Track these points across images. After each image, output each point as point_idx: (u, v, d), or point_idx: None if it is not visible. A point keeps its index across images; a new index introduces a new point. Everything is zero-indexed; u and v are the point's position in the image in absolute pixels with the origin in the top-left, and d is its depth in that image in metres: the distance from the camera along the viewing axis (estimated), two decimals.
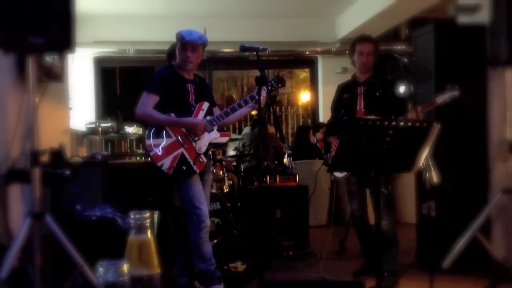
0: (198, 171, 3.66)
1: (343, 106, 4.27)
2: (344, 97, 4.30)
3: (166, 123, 3.63)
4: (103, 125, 5.10)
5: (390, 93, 4.09)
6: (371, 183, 4.00)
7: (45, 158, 3.45)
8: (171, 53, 4.25)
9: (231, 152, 6.72)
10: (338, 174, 4.24)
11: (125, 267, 0.63)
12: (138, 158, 5.14)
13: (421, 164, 3.24)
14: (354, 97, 4.22)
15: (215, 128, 3.77)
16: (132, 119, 5.09)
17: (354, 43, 4.30)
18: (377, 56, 4.25)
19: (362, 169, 3.65)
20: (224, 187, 5.43)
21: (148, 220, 0.73)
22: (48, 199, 3.37)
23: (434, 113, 4.28)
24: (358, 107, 4.19)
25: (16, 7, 2.83)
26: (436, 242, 4.14)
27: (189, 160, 3.62)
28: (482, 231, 4.18)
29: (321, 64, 8.98)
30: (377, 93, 4.11)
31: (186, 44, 3.67)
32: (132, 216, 0.74)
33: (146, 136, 3.63)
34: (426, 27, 4.82)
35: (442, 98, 3.80)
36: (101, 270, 0.61)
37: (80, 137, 5.98)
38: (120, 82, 7.98)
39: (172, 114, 3.65)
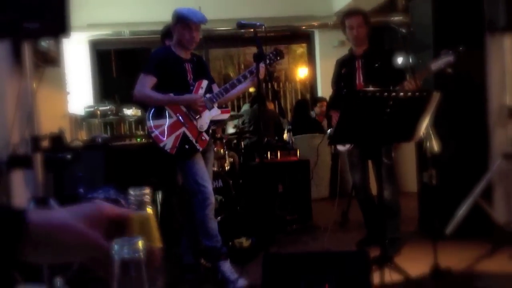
0: (201, 149, 3.67)
1: (343, 81, 4.27)
2: (343, 72, 4.29)
3: (165, 103, 3.63)
4: (101, 108, 5.10)
5: (388, 63, 4.07)
6: (372, 154, 4.02)
7: (45, 143, 3.46)
8: (165, 33, 4.22)
9: (231, 129, 6.71)
10: (340, 147, 4.24)
11: (140, 243, 0.65)
12: (138, 139, 5.15)
13: (421, 133, 3.26)
14: (352, 71, 4.21)
15: (216, 105, 3.77)
16: (129, 101, 5.09)
17: (343, 19, 4.29)
18: (369, 27, 4.23)
19: (363, 141, 3.67)
20: (225, 165, 5.44)
21: (147, 196, 0.75)
22: (51, 183, 3.39)
23: (433, 81, 4.29)
24: (357, 81, 4.17)
25: None
26: (437, 209, 4.17)
27: (192, 138, 3.62)
28: (484, 196, 4.23)
29: (318, 39, 8.91)
30: (375, 65, 4.09)
31: (193, 24, 3.64)
32: (131, 193, 0.75)
33: (146, 117, 3.63)
34: None
35: (437, 65, 3.77)
36: (116, 247, 0.63)
37: (79, 121, 5.98)
38: (116, 64, 7.95)
39: (171, 95, 3.64)
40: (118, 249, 0.71)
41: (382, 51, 4.33)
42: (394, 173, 4.14)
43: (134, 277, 0.71)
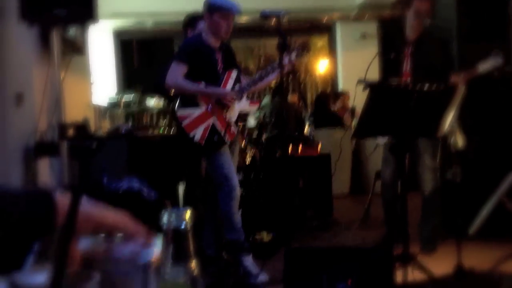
0: (229, 141, 3.67)
1: (390, 66, 4.09)
2: (392, 57, 4.09)
3: (197, 93, 3.62)
4: (125, 98, 5.12)
5: (439, 53, 3.89)
6: (405, 149, 3.90)
7: (70, 132, 3.48)
8: (188, 23, 4.21)
9: (252, 122, 6.70)
10: (379, 140, 4.07)
11: (188, 214, 0.67)
12: (161, 130, 5.16)
13: (446, 128, 3.20)
14: (401, 57, 4.01)
15: (245, 96, 3.76)
16: (151, 91, 5.10)
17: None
18: (431, 14, 3.98)
19: (386, 135, 3.63)
20: (246, 158, 5.43)
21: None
22: (76, 171, 3.41)
23: None
24: (404, 68, 4.01)
25: None
26: (461, 208, 4.12)
27: (220, 130, 3.62)
28: (508, 195, 4.16)
29: (340, 31, 8.86)
30: (425, 54, 3.88)
31: (231, 15, 3.64)
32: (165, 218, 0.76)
33: (176, 107, 3.62)
34: None
35: (485, 66, 3.63)
36: (165, 217, 0.65)
37: (102, 111, 6.01)
38: (138, 54, 7.98)
39: (202, 84, 3.64)
40: (166, 219, 0.73)
41: (435, 39, 4.08)
42: (436, 173, 4.07)
43: (181, 245, 0.74)
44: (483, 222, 4.05)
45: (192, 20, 4.14)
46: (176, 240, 0.72)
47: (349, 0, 8.50)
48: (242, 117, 4.10)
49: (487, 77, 4.28)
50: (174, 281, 0.76)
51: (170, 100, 4.32)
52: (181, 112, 3.60)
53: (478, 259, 3.61)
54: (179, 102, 3.62)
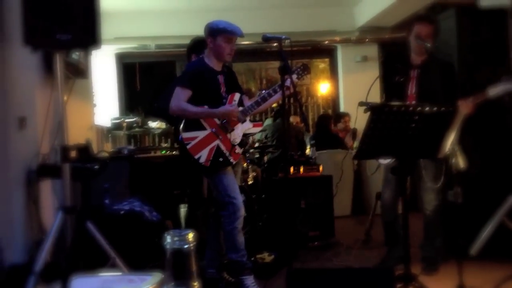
0: (234, 162, 3.71)
1: (395, 89, 4.07)
2: (397, 79, 4.07)
3: (201, 116, 3.65)
4: (127, 120, 5.18)
5: (444, 78, 3.89)
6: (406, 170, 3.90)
7: (73, 154, 3.51)
8: (192, 48, 4.26)
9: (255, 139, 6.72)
10: (382, 160, 4.06)
11: (191, 236, 0.68)
12: (163, 152, 5.19)
13: (447, 150, 3.22)
14: (406, 80, 4.02)
15: (248, 118, 3.80)
16: (152, 114, 5.15)
17: (413, 22, 4.04)
18: (436, 38, 3.99)
19: (387, 156, 3.65)
20: (248, 179, 5.45)
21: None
22: (78, 193, 3.44)
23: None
24: (409, 91, 4.03)
25: (43, 5, 2.89)
26: (462, 228, 4.11)
27: (225, 151, 3.65)
28: (509, 216, 4.15)
29: (341, 53, 8.94)
30: (430, 78, 3.89)
31: (235, 38, 3.71)
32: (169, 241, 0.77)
33: (181, 129, 3.65)
34: (447, 12, 4.77)
35: (495, 91, 3.62)
36: (168, 238, 0.66)
37: (104, 133, 6.06)
38: (140, 77, 8.05)
39: (205, 107, 3.67)
40: (169, 240, 0.76)
41: (442, 63, 4.08)
42: (439, 194, 4.08)
43: (184, 266, 0.76)
44: (484, 243, 4.04)
45: (198, 44, 4.19)
46: (178, 261, 0.75)
47: (350, 24, 8.60)
48: (247, 137, 4.14)
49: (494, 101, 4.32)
50: None
51: (172, 123, 4.37)
52: (186, 135, 3.64)
53: (480, 279, 3.60)
54: (183, 125, 3.66)
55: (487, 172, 4.47)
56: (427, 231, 4.19)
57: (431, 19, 4.11)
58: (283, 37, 3.52)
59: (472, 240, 4.10)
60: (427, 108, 3.04)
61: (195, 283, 0.78)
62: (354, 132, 7.69)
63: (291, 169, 5.40)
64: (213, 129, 3.67)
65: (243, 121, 3.77)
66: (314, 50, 8.96)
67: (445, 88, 3.85)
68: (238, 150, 3.74)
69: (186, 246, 0.65)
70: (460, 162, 3.55)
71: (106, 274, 1.93)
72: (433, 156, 3.32)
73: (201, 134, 3.64)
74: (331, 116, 8.23)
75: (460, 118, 3.06)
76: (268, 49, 8.23)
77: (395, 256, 4.06)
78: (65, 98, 3.13)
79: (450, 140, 3.16)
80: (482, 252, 4.06)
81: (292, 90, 3.49)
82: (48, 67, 3.61)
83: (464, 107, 3.63)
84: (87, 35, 3.00)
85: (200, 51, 4.10)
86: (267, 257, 4.41)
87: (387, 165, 4.02)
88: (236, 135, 3.73)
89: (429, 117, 3.02)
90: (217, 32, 3.69)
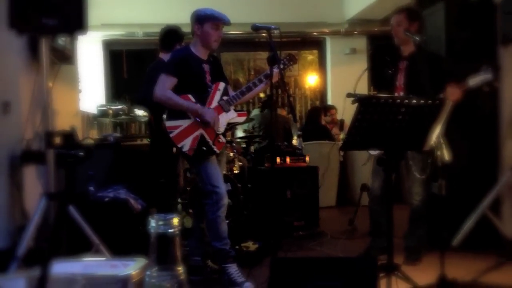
0: (218, 151, 3.69)
1: (384, 80, 4.16)
2: (387, 72, 4.16)
3: (183, 108, 3.62)
4: (114, 107, 5.13)
5: (432, 70, 3.92)
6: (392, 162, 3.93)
7: (57, 140, 3.48)
8: (174, 37, 4.32)
9: (240, 133, 6.73)
10: (372, 151, 4.10)
11: (176, 220, 0.68)
12: (148, 140, 5.16)
13: (432, 142, 3.25)
14: (395, 72, 4.10)
15: (232, 107, 3.79)
16: (135, 102, 5.13)
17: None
18: (412, 26, 4.06)
19: (374, 147, 3.67)
20: (234, 169, 5.45)
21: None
22: (62, 180, 3.41)
23: None
24: (397, 83, 4.09)
25: None
26: (446, 220, 4.16)
27: (209, 140, 3.64)
28: (492, 209, 4.20)
29: (330, 45, 8.95)
30: (418, 69, 3.94)
31: (222, 24, 3.69)
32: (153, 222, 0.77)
33: (165, 118, 3.63)
34: (436, 6, 4.79)
35: (475, 81, 3.66)
36: (153, 222, 0.65)
37: (90, 120, 6.01)
38: (127, 65, 7.99)
39: (190, 95, 3.65)
40: (154, 224, 0.75)
41: (430, 55, 4.15)
42: (426, 185, 4.12)
43: (168, 251, 0.76)
44: (466, 235, 4.10)
45: (177, 35, 4.24)
46: (163, 245, 0.74)
47: (339, 16, 8.61)
48: (232, 126, 4.14)
49: (475, 92, 4.36)
50: (160, 285, 0.78)
51: (153, 111, 4.36)
52: (169, 123, 3.62)
53: (461, 270, 3.64)
54: (167, 114, 3.64)
55: (471, 165, 4.51)
56: (412, 221, 4.23)
57: (401, 9, 4.18)
58: (273, 27, 3.51)
59: (455, 232, 4.16)
60: (414, 101, 3.06)
61: (179, 268, 0.79)
62: (341, 123, 7.72)
63: (278, 159, 5.41)
64: (197, 118, 3.65)
65: (228, 111, 3.76)
66: (303, 42, 8.97)
67: (433, 79, 3.88)
68: (222, 139, 3.73)
69: (170, 231, 0.66)
70: (445, 154, 3.57)
71: (88, 259, 1.93)
72: (419, 148, 3.34)
73: (184, 123, 3.63)
74: (322, 109, 8.26)
75: (447, 111, 3.08)
76: (257, 39, 8.21)
77: (378, 246, 4.10)
78: (50, 83, 3.09)
79: (436, 133, 3.18)
80: (464, 243, 4.12)
81: (277, 80, 3.49)
82: (33, 52, 3.56)
83: (452, 93, 3.67)
84: (74, 20, 2.95)
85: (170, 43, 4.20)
86: (251, 245, 4.43)
87: (377, 156, 4.05)
88: (220, 124, 3.71)
89: (416, 109, 3.04)
90: (205, 19, 3.67)
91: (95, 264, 1.89)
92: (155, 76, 3.71)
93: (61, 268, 1.73)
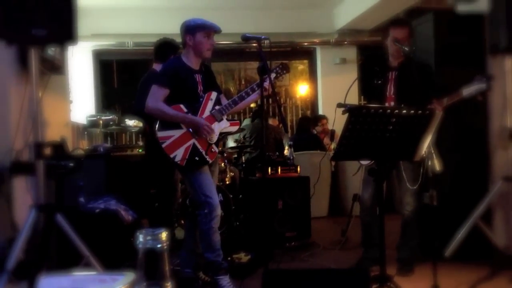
0: (210, 161, 3.68)
1: (374, 91, 4.14)
2: (376, 82, 4.14)
3: (176, 120, 3.61)
4: (104, 117, 5.11)
5: (421, 79, 3.90)
6: (383, 172, 3.93)
7: (47, 151, 3.45)
8: (169, 49, 4.31)
9: (231, 144, 6.72)
10: (363, 162, 4.08)
11: (164, 235, 0.66)
12: (140, 150, 5.14)
13: (423, 152, 3.25)
14: (385, 83, 4.09)
15: (225, 117, 3.78)
16: (129, 112, 5.11)
17: (388, 27, 4.12)
18: (411, 40, 4.07)
19: (365, 158, 3.67)
20: (226, 179, 5.44)
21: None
22: (52, 191, 3.37)
23: None
24: (388, 93, 4.08)
25: None
26: (438, 230, 4.16)
27: (201, 150, 3.62)
28: (483, 219, 4.21)
29: (320, 55, 8.98)
30: (408, 79, 3.92)
31: (213, 33, 3.69)
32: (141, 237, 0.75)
33: (157, 128, 3.61)
34: (425, 17, 4.82)
35: (469, 91, 3.68)
36: (140, 237, 0.64)
37: (80, 130, 5.98)
38: (118, 75, 7.96)
39: (182, 105, 3.64)
40: (142, 239, 0.74)
41: (418, 65, 4.10)
42: (418, 196, 4.11)
43: (156, 266, 0.74)
44: (458, 245, 4.09)
45: (171, 47, 4.24)
46: (151, 261, 0.72)
47: (329, 26, 8.64)
48: (224, 136, 4.13)
49: (466, 101, 4.38)
50: None
51: (148, 122, 4.34)
52: (161, 134, 3.60)
53: (454, 281, 3.65)
54: (158, 124, 3.62)
55: (462, 176, 4.52)
56: (405, 232, 4.22)
57: (405, 22, 4.20)
58: (263, 37, 3.52)
59: (447, 242, 4.15)
60: (404, 111, 3.06)
61: (168, 284, 0.77)
62: (332, 134, 7.71)
63: (269, 170, 5.40)
64: (190, 128, 3.63)
65: (220, 120, 3.75)
66: (293, 52, 8.99)
67: (423, 89, 3.89)
68: (215, 149, 3.72)
69: (159, 246, 0.64)
70: (436, 164, 3.58)
71: (77, 274, 1.89)
72: (410, 158, 3.35)
73: (176, 133, 3.61)
74: (312, 119, 8.27)
75: (437, 121, 3.09)
76: (247, 49, 8.22)
77: (371, 257, 4.09)
78: (40, 94, 3.07)
79: (427, 143, 3.18)
80: (456, 254, 4.11)
81: (270, 91, 3.49)
82: (23, 62, 3.54)
83: (435, 107, 3.66)
84: (63, 30, 2.95)
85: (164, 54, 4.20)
86: (243, 257, 4.41)
87: (367, 166, 4.04)
88: (213, 134, 3.70)
89: (406, 120, 3.05)
90: (196, 29, 3.67)
91: (84, 278, 1.86)
92: (149, 86, 3.70)
93: (49, 283, 1.70)
